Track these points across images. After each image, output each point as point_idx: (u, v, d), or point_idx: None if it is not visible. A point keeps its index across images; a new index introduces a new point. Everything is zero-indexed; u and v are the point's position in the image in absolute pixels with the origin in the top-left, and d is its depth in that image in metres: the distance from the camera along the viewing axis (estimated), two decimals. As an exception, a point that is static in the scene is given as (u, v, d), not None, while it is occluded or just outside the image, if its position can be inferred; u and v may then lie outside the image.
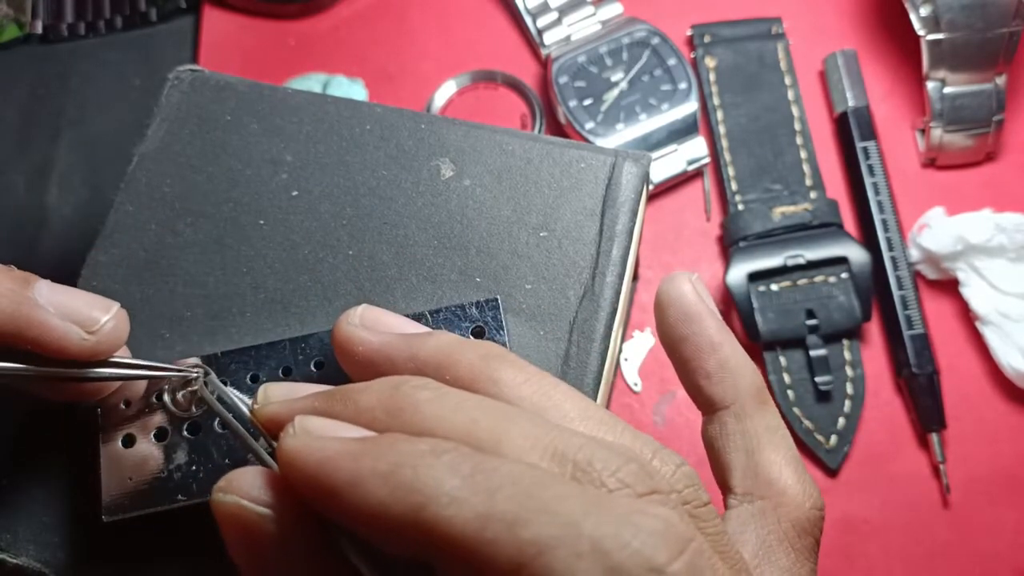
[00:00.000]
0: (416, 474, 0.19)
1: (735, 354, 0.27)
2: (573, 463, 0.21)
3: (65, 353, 0.25)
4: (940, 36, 0.47)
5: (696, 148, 0.50)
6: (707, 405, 0.28)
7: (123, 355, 0.27)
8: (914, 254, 0.48)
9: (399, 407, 0.22)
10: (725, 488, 0.27)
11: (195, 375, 0.27)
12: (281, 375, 0.28)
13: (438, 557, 0.19)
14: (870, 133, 0.50)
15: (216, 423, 0.27)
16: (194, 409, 0.27)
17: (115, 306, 0.26)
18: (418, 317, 0.28)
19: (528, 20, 0.53)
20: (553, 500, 0.19)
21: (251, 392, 0.27)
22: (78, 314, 0.25)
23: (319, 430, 0.22)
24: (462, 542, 0.19)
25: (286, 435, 0.21)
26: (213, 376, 0.27)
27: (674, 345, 0.28)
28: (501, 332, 0.28)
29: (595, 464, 0.21)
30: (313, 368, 0.28)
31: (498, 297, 0.29)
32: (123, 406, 0.27)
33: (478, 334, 0.28)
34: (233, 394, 0.26)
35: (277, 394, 0.24)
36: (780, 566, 0.25)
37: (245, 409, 0.25)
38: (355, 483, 0.20)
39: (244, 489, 0.22)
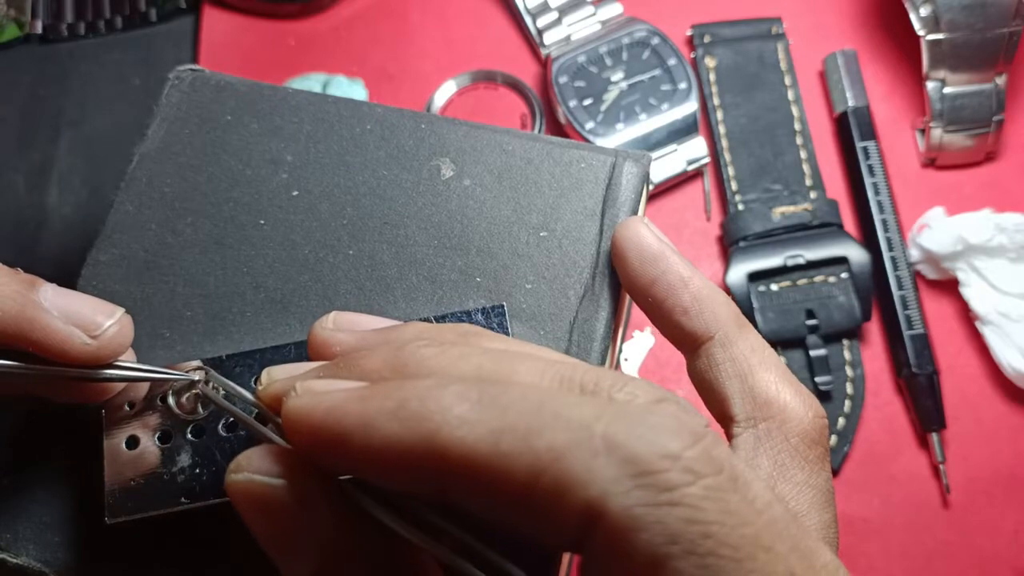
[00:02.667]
0: (424, 404, 0.19)
1: (706, 285, 0.28)
2: (580, 385, 0.21)
3: (67, 356, 0.25)
4: (940, 36, 0.47)
5: (696, 148, 0.50)
6: (690, 342, 0.28)
7: (127, 359, 0.27)
8: (914, 254, 0.48)
9: (403, 363, 0.22)
10: (726, 419, 0.27)
11: (197, 379, 0.27)
12: None
13: (454, 484, 0.19)
14: (870, 133, 0.50)
15: (220, 426, 0.27)
16: (201, 410, 0.27)
17: (119, 311, 0.26)
18: (423, 322, 0.28)
19: (528, 20, 0.53)
20: (564, 408, 0.19)
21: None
22: (81, 318, 0.25)
23: (323, 387, 0.21)
24: (477, 461, 0.19)
25: (289, 398, 0.21)
26: (214, 373, 0.27)
27: (644, 289, 0.28)
28: None
29: (602, 383, 0.21)
30: None
31: (504, 304, 0.29)
32: (127, 408, 0.27)
33: None
34: (237, 388, 0.26)
35: (280, 372, 0.24)
36: (797, 481, 0.25)
37: (250, 397, 0.25)
38: (364, 423, 0.20)
39: (255, 464, 0.22)
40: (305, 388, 0.21)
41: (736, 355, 0.27)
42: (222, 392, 0.26)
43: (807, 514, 0.25)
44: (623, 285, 0.29)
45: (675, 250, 0.28)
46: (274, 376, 0.24)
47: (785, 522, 0.19)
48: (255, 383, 0.28)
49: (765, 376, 0.26)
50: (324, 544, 0.21)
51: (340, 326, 0.26)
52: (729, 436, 0.26)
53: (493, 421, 0.19)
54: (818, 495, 0.25)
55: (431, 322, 0.28)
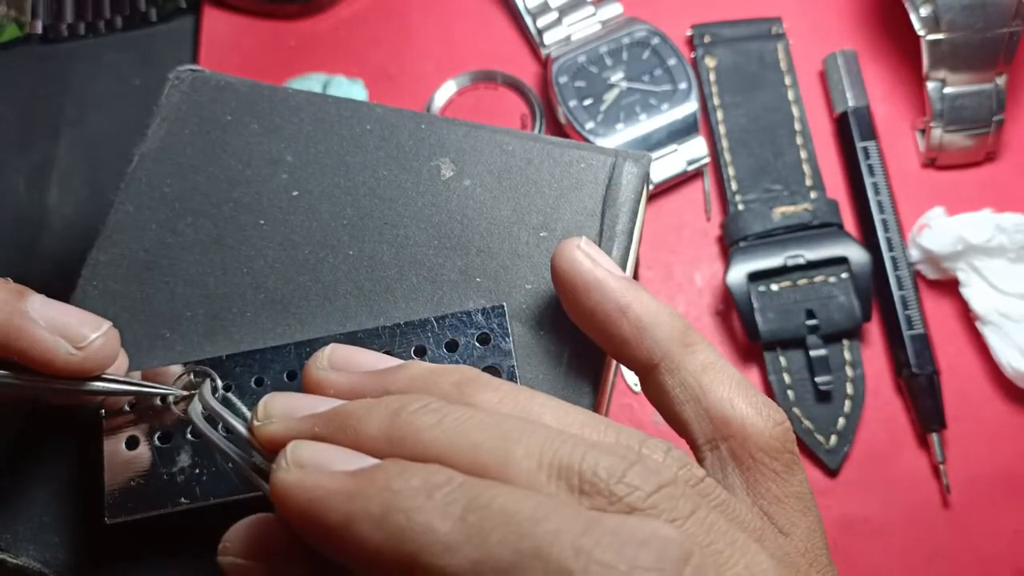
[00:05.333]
0: (408, 520, 0.20)
1: (647, 310, 0.26)
2: (579, 475, 0.21)
3: (51, 366, 0.25)
4: (940, 36, 0.47)
5: (696, 148, 0.50)
6: (639, 368, 0.27)
7: (119, 364, 0.27)
8: (914, 254, 0.48)
9: (400, 436, 0.22)
10: (690, 443, 0.26)
11: (182, 395, 0.27)
12: (286, 379, 0.28)
13: None
14: (870, 133, 0.50)
15: (219, 427, 0.27)
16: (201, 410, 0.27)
17: (106, 324, 0.26)
18: (423, 323, 0.28)
19: (528, 20, 0.53)
20: (546, 541, 0.19)
21: (256, 396, 0.27)
22: (68, 329, 0.25)
23: (313, 460, 0.22)
24: None
25: (278, 468, 0.22)
26: (206, 390, 0.27)
27: (584, 320, 0.27)
28: (507, 339, 0.28)
29: (600, 473, 0.21)
30: None
31: (504, 304, 0.29)
32: (127, 408, 0.27)
33: (483, 340, 0.28)
34: (227, 414, 0.26)
35: (277, 409, 0.24)
36: (773, 494, 0.25)
37: (241, 429, 0.25)
38: (348, 525, 0.20)
39: (236, 548, 0.23)
40: (294, 460, 0.22)
41: (685, 379, 0.26)
42: (218, 395, 0.26)
43: (792, 524, 0.25)
44: (567, 312, 0.28)
45: (613, 272, 0.27)
46: (270, 412, 0.24)
47: None
48: (254, 383, 0.28)
49: (718, 394, 0.26)
50: None
51: (335, 364, 0.26)
52: (698, 460, 0.26)
53: (474, 551, 0.19)
54: (796, 502, 0.25)
55: (432, 323, 0.28)
